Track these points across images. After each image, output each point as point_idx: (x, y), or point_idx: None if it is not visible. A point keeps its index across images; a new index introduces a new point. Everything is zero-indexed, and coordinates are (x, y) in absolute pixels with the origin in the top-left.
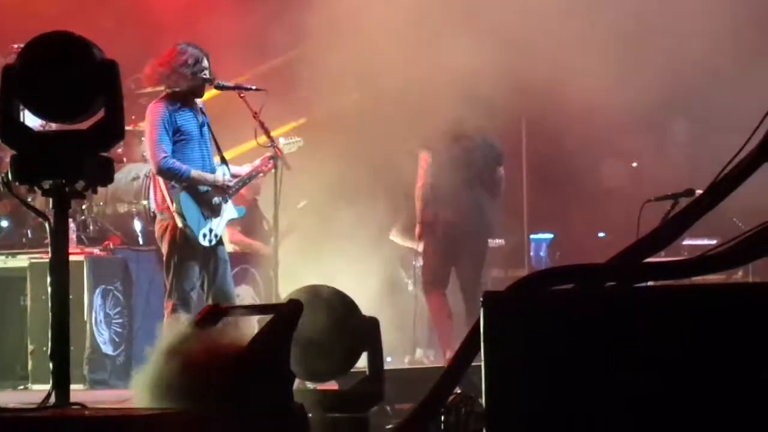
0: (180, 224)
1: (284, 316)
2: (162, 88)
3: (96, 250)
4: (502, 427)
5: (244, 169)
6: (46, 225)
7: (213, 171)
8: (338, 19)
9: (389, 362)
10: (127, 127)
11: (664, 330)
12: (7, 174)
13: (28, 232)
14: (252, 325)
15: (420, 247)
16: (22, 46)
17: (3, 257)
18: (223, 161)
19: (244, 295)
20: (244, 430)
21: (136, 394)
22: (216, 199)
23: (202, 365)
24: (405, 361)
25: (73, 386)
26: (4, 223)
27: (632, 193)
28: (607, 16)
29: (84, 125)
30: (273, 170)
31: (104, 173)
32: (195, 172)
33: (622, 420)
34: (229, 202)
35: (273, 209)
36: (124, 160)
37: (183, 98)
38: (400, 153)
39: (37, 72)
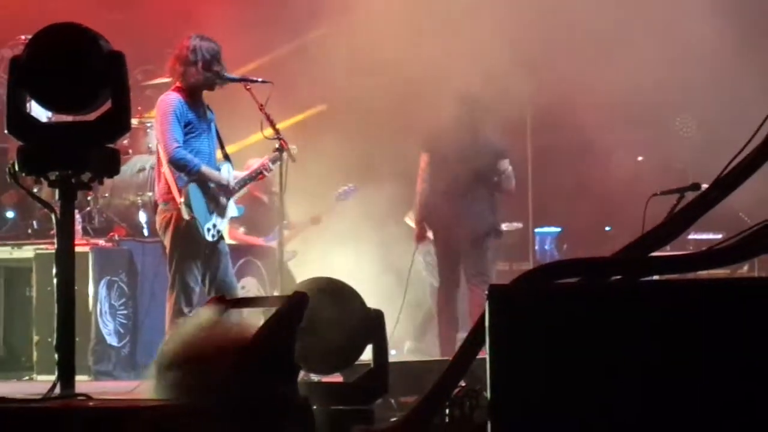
0: (186, 216)
1: (289, 308)
2: (172, 79)
3: (101, 242)
4: (506, 421)
5: (243, 172)
6: (52, 216)
7: (216, 167)
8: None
9: (394, 355)
10: (133, 119)
11: (669, 324)
12: (13, 165)
13: (34, 223)
14: (257, 317)
15: (420, 247)
16: (29, 37)
17: (9, 248)
18: (226, 158)
19: (249, 287)
20: (248, 422)
21: (142, 385)
22: (222, 199)
23: (206, 357)
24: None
25: (78, 377)
26: (10, 214)
27: (638, 187)
28: (614, 10)
29: (91, 116)
30: (278, 163)
31: (110, 164)
32: (204, 167)
33: (627, 413)
34: (232, 200)
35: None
36: (130, 151)
37: (194, 92)
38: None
39: (44, 64)
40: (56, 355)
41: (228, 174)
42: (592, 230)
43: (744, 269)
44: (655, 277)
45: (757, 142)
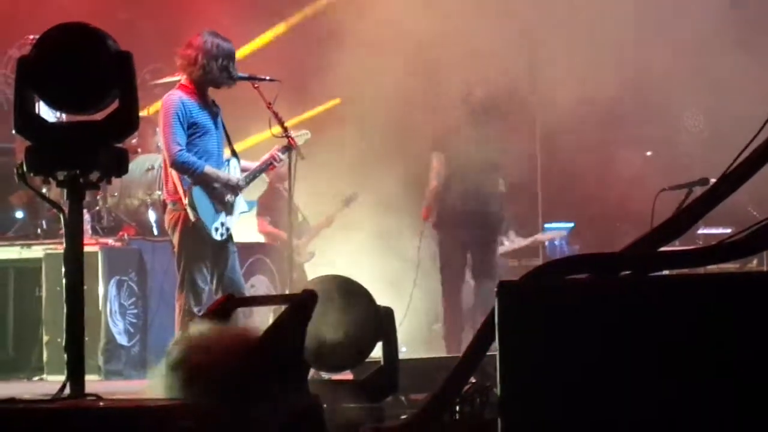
0: (192, 217)
1: (299, 306)
2: (178, 77)
3: (110, 241)
4: (517, 417)
5: (253, 163)
6: (61, 216)
7: (224, 164)
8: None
9: (404, 352)
10: (141, 114)
11: (679, 319)
12: (21, 165)
13: (43, 223)
14: (267, 316)
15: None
16: (36, 37)
17: (18, 248)
18: (234, 154)
19: (259, 285)
20: (258, 421)
21: (152, 385)
22: (229, 197)
23: (216, 356)
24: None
25: (88, 377)
26: (19, 215)
27: (647, 182)
28: (623, 5)
29: (98, 116)
30: (287, 161)
31: (119, 164)
32: (208, 168)
33: (638, 408)
34: (240, 196)
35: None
36: (139, 150)
37: (199, 89)
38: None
39: (51, 63)
40: (66, 355)
41: (235, 171)
42: (601, 226)
43: (753, 263)
44: (665, 272)
45: (764, 136)
